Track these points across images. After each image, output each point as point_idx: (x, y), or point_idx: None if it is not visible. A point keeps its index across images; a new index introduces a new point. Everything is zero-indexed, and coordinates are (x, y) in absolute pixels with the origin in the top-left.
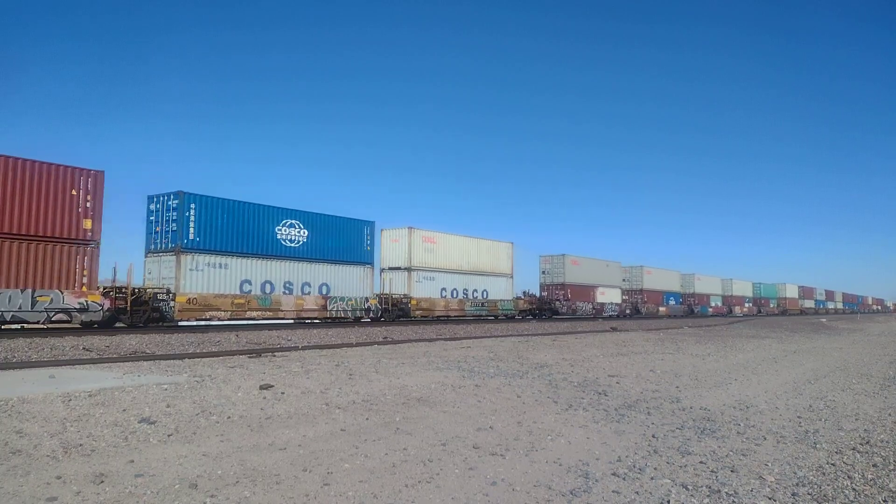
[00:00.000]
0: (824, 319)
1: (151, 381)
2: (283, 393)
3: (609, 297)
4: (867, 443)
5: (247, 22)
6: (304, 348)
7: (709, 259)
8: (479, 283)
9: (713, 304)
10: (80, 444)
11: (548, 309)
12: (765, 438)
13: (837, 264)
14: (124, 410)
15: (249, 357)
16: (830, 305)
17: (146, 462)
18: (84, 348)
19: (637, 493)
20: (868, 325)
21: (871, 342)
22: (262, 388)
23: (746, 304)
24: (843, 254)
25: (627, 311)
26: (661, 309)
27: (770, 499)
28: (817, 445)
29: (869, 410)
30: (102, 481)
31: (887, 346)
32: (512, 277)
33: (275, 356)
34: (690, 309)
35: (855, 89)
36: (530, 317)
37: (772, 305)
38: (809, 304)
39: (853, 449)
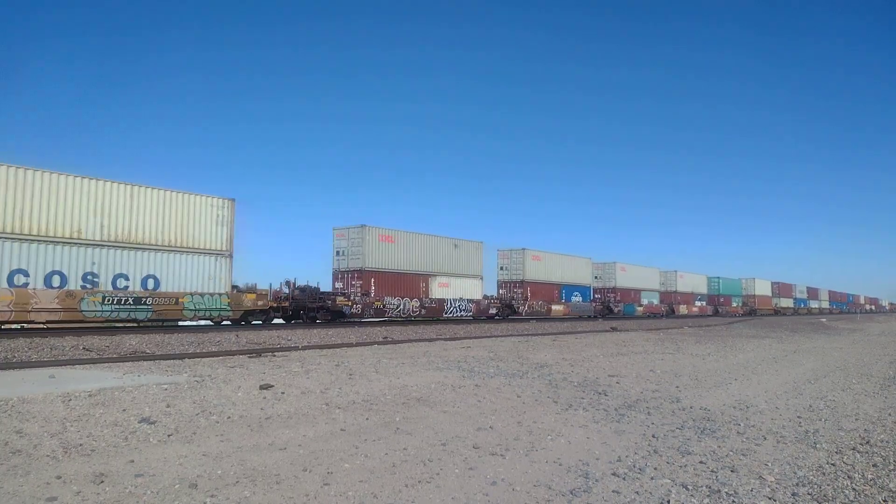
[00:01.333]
0: (824, 319)
1: (151, 381)
2: (283, 393)
3: (458, 290)
4: (867, 443)
5: (242, 19)
6: (304, 348)
7: (698, 257)
8: (134, 263)
9: (645, 302)
10: (80, 444)
11: (319, 308)
12: (765, 438)
13: (822, 261)
14: (124, 410)
15: (249, 357)
16: (814, 305)
17: (146, 462)
18: (84, 348)
19: (637, 493)
20: (868, 324)
21: (871, 342)
22: (262, 387)
23: (698, 303)
24: (829, 250)
25: (493, 312)
26: (556, 308)
27: (770, 499)
28: (817, 445)
29: (869, 410)
30: (102, 481)
31: (887, 345)
32: (229, 257)
33: (275, 356)
34: (607, 308)
35: (842, 83)
36: (284, 319)
37: (735, 304)
38: (787, 302)
39: (853, 449)
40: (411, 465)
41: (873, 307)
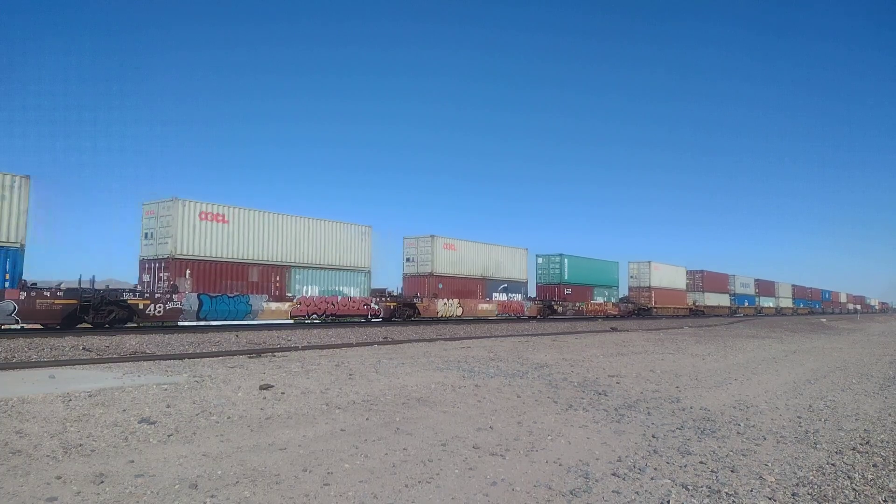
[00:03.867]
0: (824, 320)
1: (151, 381)
2: (283, 393)
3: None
4: (867, 443)
5: (241, 17)
6: (304, 348)
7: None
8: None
9: (347, 294)
10: (80, 445)
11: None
12: (765, 438)
13: (820, 260)
14: (124, 410)
15: (249, 357)
16: (767, 303)
17: (146, 462)
18: (84, 348)
19: (637, 493)
20: (868, 324)
21: (871, 342)
22: (262, 388)
23: (498, 296)
24: (820, 248)
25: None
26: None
27: (770, 499)
28: (817, 445)
29: (869, 410)
30: (102, 481)
31: (888, 345)
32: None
33: (275, 356)
34: (246, 306)
35: (838, 81)
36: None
37: (602, 300)
38: (716, 299)
39: (853, 449)
40: (411, 465)
41: (859, 306)
